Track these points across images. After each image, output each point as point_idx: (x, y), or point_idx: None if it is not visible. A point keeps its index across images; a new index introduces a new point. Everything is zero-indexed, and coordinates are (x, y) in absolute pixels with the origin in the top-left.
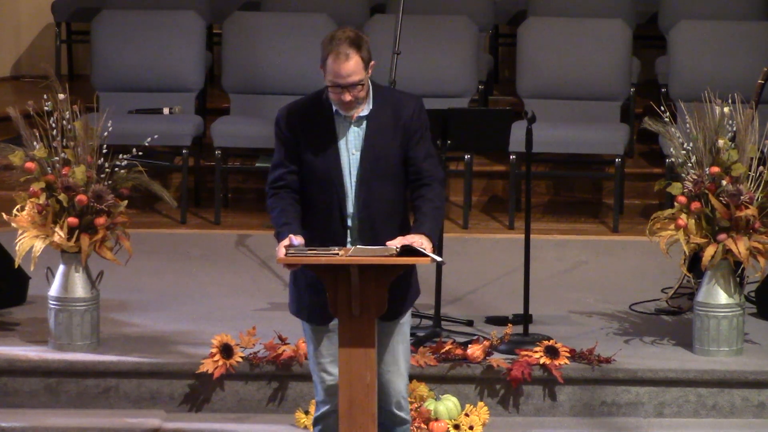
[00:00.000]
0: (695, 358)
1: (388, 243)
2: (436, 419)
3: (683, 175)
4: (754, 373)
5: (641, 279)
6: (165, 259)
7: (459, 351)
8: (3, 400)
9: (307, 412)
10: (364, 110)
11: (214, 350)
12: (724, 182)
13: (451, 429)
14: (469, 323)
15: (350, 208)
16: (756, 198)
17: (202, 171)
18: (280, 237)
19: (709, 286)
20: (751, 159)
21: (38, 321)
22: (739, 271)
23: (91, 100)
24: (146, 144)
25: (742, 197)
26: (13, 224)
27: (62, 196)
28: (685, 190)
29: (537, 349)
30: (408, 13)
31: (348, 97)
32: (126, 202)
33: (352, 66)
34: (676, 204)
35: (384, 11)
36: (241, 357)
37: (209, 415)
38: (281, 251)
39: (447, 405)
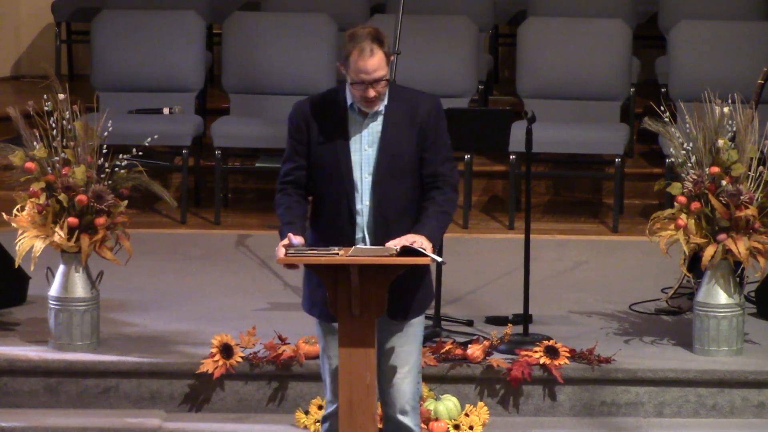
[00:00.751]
0: (695, 358)
1: (387, 243)
2: (436, 419)
3: (683, 175)
4: (754, 373)
5: (641, 279)
6: (165, 259)
7: (459, 351)
8: (3, 400)
9: (307, 412)
10: (379, 106)
11: (214, 350)
12: (723, 182)
13: (451, 429)
14: (469, 323)
15: (359, 203)
16: (756, 198)
17: (202, 171)
18: (281, 236)
19: (709, 286)
20: (751, 159)
21: (38, 321)
22: (739, 271)
23: (91, 100)
24: (146, 144)
25: (741, 197)
26: (13, 224)
27: (62, 196)
28: (685, 190)
29: (537, 349)
30: (408, 13)
31: (372, 93)
32: (126, 202)
33: (377, 61)
34: (676, 204)
35: (384, 11)
36: (241, 357)
37: (209, 415)
38: (281, 251)
39: (447, 405)
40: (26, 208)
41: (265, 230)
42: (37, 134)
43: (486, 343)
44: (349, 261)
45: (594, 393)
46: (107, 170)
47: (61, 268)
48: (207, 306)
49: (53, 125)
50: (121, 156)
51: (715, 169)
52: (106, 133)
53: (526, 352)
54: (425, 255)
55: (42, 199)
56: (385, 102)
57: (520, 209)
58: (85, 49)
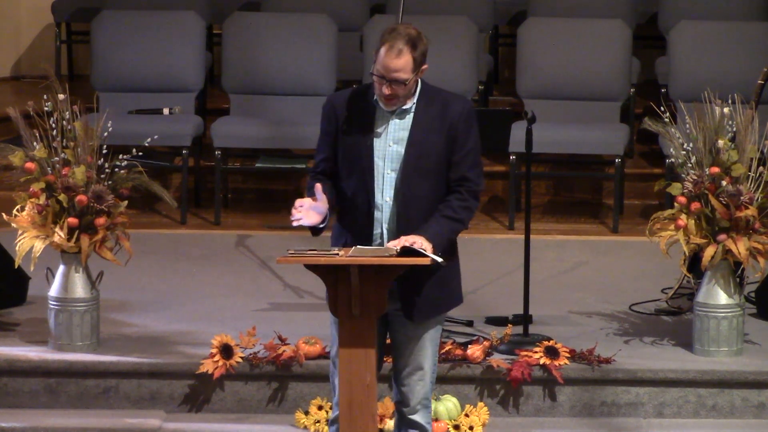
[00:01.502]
0: (695, 359)
1: (388, 243)
2: (436, 419)
3: (683, 175)
4: (754, 373)
5: (641, 279)
6: (165, 259)
7: (459, 351)
8: (3, 400)
9: (307, 413)
10: (407, 104)
11: (214, 350)
12: (723, 182)
13: (451, 429)
14: (469, 323)
15: (379, 198)
16: (756, 198)
17: (202, 171)
18: (307, 193)
19: (709, 287)
20: (751, 159)
21: (38, 321)
22: (739, 271)
23: (91, 100)
24: (146, 144)
25: (741, 197)
26: (13, 224)
27: (62, 197)
28: (685, 191)
29: (537, 349)
30: (408, 13)
31: (387, 90)
32: (126, 202)
33: (401, 63)
34: (675, 204)
35: (384, 11)
36: (241, 357)
37: (209, 416)
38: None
39: (447, 405)
40: (26, 208)
41: (265, 230)
42: (37, 134)
43: (486, 343)
44: (349, 261)
45: (594, 393)
46: (107, 170)
47: (61, 268)
48: (207, 306)
49: (53, 125)
50: (121, 156)
51: (715, 170)
52: (106, 134)
53: (526, 353)
54: (425, 255)
55: (42, 200)
56: (415, 100)
57: (520, 209)
58: (85, 49)
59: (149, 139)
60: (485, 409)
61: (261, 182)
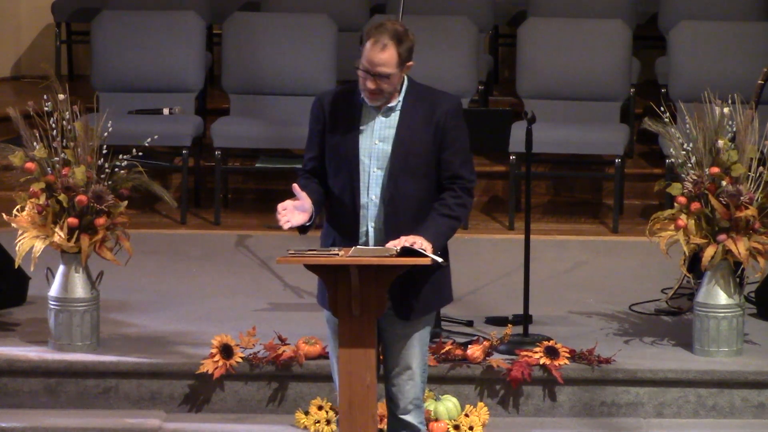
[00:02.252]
0: (695, 359)
1: (388, 243)
2: (436, 419)
3: (683, 175)
4: (754, 373)
5: (641, 279)
6: (165, 259)
7: (459, 351)
8: (3, 400)
9: (307, 413)
10: (393, 101)
11: (214, 350)
12: (723, 183)
13: (451, 429)
14: (469, 323)
15: (364, 197)
16: (756, 198)
17: (202, 171)
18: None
19: (709, 287)
20: (751, 159)
21: (38, 321)
22: (739, 271)
23: (91, 100)
24: (146, 144)
25: (741, 198)
26: (13, 224)
27: (62, 197)
28: (685, 191)
29: (537, 349)
30: (408, 13)
31: (371, 85)
32: (126, 202)
33: (385, 57)
34: (675, 204)
35: (384, 11)
36: (241, 357)
37: (209, 416)
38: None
39: (447, 405)
40: (26, 208)
41: (265, 231)
42: (37, 135)
43: (486, 343)
44: (349, 261)
45: (594, 393)
46: (107, 171)
47: (61, 268)
48: (207, 306)
49: (53, 126)
50: (121, 156)
51: (715, 170)
52: (106, 134)
53: (526, 353)
54: (425, 256)
55: (42, 200)
56: (401, 98)
57: (520, 210)
58: (85, 50)
59: (149, 139)
60: (485, 409)
61: (261, 182)
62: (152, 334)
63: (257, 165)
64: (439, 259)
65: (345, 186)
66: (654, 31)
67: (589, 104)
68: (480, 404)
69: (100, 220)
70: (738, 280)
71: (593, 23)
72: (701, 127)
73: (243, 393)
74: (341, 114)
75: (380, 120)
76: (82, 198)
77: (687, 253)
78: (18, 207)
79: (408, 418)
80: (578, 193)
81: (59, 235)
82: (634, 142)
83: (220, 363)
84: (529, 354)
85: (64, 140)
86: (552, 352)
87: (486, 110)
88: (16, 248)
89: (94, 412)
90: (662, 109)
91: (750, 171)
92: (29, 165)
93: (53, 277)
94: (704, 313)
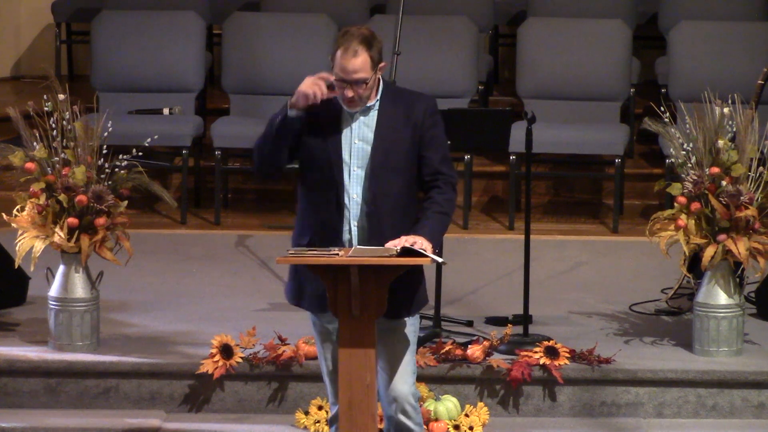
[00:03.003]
0: (695, 359)
1: (388, 244)
2: (436, 419)
3: (683, 175)
4: (754, 373)
5: (641, 279)
6: (165, 259)
7: (459, 351)
8: (3, 400)
9: (307, 413)
10: (371, 101)
11: (214, 350)
12: (723, 183)
13: (450, 429)
14: (469, 323)
15: (346, 196)
16: (756, 198)
17: (202, 171)
18: (281, 113)
19: (708, 287)
20: (751, 159)
21: (38, 321)
22: (739, 271)
23: (91, 100)
24: (146, 144)
25: (741, 198)
26: (13, 224)
27: (62, 197)
28: (685, 191)
29: (537, 349)
30: (408, 13)
31: (350, 94)
32: (126, 202)
33: (359, 63)
34: (675, 204)
35: (384, 11)
36: (241, 357)
37: (209, 416)
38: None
39: (447, 405)
40: (26, 208)
41: (265, 231)
42: (37, 135)
43: (486, 343)
44: (349, 261)
45: (594, 393)
46: (107, 171)
47: (61, 268)
48: (207, 306)
49: (53, 125)
50: (121, 156)
51: (715, 170)
52: (106, 134)
53: (526, 353)
54: (425, 256)
55: (42, 200)
56: (378, 97)
57: (520, 209)
58: (85, 50)
59: (149, 139)
60: (485, 409)
61: (261, 182)
62: (152, 334)
63: None
64: (439, 259)
65: (327, 186)
66: (654, 31)
67: (589, 104)
68: (480, 404)
69: (100, 220)
70: (738, 280)
71: (593, 23)
72: (701, 127)
73: (243, 393)
74: (321, 115)
75: (359, 119)
76: (82, 198)
77: (687, 253)
78: (18, 207)
79: (406, 420)
80: (578, 193)
81: (59, 235)
82: (634, 142)
83: (220, 363)
84: (529, 354)
85: (64, 140)
86: (552, 352)
87: (486, 110)
88: (16, 248)
89: (94, 412)
90: (662, 109)
91: (750, 171)
92: (29, 165)
93: (53, 277)
94: (704, 313)
